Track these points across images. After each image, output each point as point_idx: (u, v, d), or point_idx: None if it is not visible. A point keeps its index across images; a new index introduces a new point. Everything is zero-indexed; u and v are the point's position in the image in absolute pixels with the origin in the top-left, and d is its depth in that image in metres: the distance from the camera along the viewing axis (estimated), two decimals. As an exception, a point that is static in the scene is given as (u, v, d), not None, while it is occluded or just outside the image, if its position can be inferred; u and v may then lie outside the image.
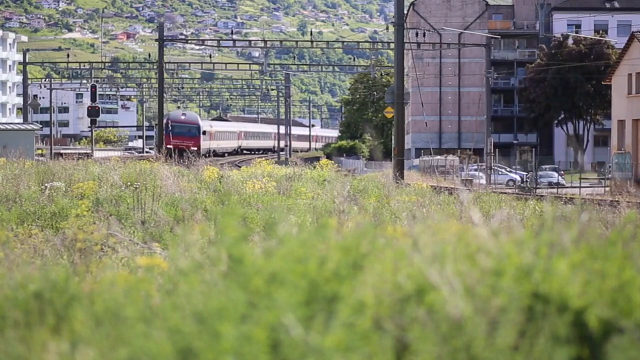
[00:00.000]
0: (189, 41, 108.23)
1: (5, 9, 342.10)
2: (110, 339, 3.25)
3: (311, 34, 72.99)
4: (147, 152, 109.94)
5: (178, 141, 77.75)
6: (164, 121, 72.42)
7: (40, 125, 68.23)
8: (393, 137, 41.14)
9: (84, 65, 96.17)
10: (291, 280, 3.18)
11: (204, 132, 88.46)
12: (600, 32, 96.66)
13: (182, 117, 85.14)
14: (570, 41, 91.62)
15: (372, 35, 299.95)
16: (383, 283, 3.29)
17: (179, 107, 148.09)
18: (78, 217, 14.83)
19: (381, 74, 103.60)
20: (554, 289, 3.20)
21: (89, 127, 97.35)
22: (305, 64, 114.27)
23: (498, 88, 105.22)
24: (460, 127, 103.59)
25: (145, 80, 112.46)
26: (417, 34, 70.25)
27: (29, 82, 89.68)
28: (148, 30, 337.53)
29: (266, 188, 22.58)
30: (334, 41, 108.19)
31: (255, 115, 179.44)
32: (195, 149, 76.39)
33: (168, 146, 67.87)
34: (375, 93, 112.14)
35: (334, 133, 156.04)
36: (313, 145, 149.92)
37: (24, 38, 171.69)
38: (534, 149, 78.05)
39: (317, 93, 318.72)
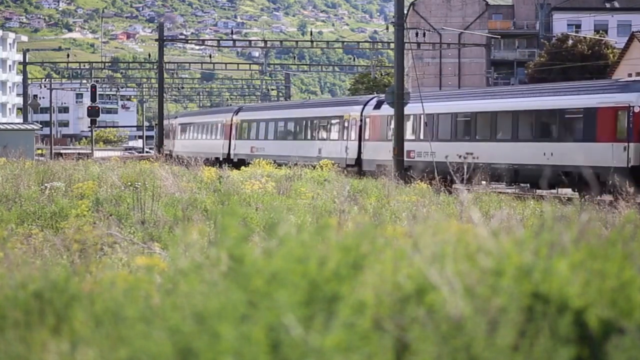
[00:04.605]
0: (189, 41, 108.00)
1: (5, 9, 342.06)
2: (110, 339, 3.24)
3: (311, 34, 72.99)
4: (147, 152, 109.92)
5: None
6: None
7: (40, 125, 68.14)
8: (393, 137, 41.04)
9: (84, 65, 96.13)
10: (291, 280, 3.18)
11: None
12: (600, 32, 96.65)
13: None
14: (570, 41, 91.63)
15: (372, 35, 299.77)
16: (383, 283, 3.29)
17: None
18: (78, 217, 14.84)
19: (381, 74, 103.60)
20: (554, 289, 3.20)
21: (89, 127, 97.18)
22: (305, 64, 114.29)
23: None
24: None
25: (145, 80, 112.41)
26: (417, 34, 70.23)
27: (29, 82, 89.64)
28: (148, 30, 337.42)
29: (266, 188, 22.56)
30: (334, 41, 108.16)
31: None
32: None
33: None
34: (375, 93, 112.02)
35: None
36: None
37: (24, 38, 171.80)
38: (533, 149, 77.91)
39: (317, 93, 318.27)
